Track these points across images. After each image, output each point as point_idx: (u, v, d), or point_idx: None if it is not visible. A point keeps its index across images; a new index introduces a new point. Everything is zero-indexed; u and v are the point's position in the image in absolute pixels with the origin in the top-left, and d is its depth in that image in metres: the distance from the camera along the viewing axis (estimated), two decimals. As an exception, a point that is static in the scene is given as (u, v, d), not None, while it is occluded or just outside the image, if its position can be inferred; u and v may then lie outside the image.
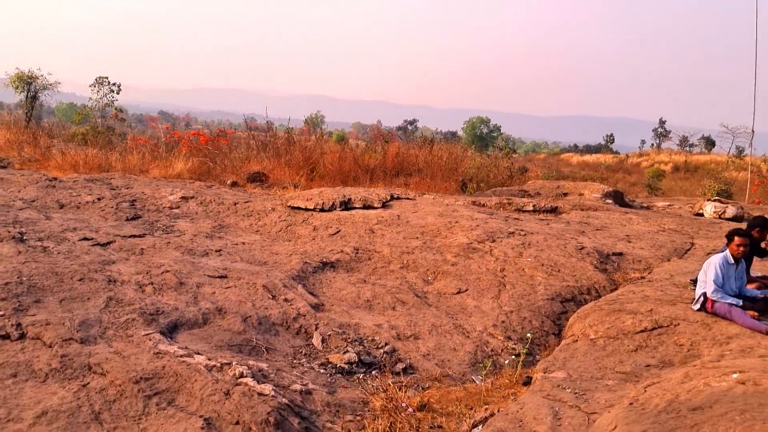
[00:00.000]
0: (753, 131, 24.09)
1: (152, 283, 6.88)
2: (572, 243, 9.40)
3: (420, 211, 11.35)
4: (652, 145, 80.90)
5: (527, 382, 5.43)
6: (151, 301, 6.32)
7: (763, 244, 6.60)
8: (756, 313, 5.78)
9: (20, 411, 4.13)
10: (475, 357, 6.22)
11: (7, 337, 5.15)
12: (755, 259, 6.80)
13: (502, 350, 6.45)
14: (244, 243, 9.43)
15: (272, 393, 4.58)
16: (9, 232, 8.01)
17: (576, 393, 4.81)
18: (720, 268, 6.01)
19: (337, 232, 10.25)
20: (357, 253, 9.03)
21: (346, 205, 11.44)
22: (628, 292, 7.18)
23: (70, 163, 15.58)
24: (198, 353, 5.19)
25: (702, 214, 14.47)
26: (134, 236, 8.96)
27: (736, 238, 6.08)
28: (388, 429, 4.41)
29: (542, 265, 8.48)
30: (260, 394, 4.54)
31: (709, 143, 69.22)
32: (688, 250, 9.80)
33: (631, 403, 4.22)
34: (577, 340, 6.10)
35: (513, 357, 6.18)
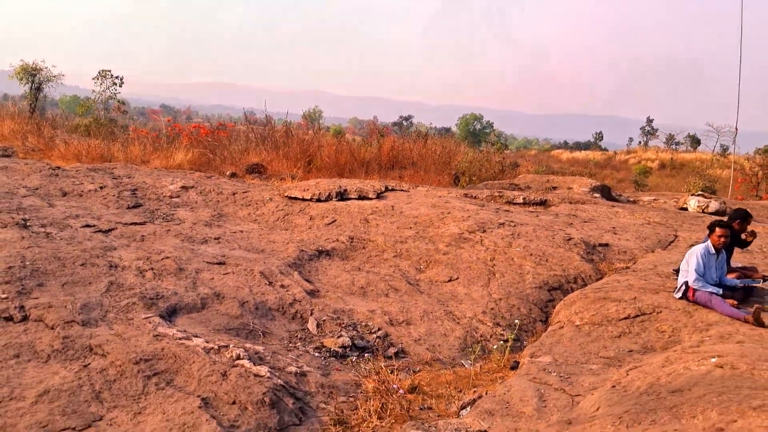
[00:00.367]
0: (737, 129, 24.18)
1: (152, 269, 6.86)
2: (560, 234, 9.43)
3: (413, 202, 11.35)
4: (640, 142, 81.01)
5: (515, 366, 5.46)
6: (151, 286, 6.31)
7: (743, 236, 6.63)
8: (735, 302, 5.82)
9: (23, 390, 4.13)
10: (464, 342, 6.25)
11: (10, 319, 5.14)
12: (736, 250, 6.84)
13: (491, 336, 6.48)
14: (242, 231, 9.42)
15: (268, 374, 4.59)
16: (13, 218, 7.97)
17: (561, 376, 4.84)
18: (702, 258, 6.04)
19: (333, 221, 10.25)
20: (352, 241, 9.04)
21: (342, 196, 11.43)
22: (613, 281, 7.21)
23: (73, 153, 15.50)
24: (196, 336, 5.19)
25: (686, 209, 14.53)
26: (135, 224, 8.93)
27: (717, 230, 6.11)
28: (379, 410, 4.42)
29: (531, 254, 8.51)
30: (256, 375, 4.55)
31: (695, 141, 69.38)
32: (672, 242, 9.84)
33: (613, 386, 4.25)
34: (563, 327, 6.13)
35: (501, 342, 6.21)
